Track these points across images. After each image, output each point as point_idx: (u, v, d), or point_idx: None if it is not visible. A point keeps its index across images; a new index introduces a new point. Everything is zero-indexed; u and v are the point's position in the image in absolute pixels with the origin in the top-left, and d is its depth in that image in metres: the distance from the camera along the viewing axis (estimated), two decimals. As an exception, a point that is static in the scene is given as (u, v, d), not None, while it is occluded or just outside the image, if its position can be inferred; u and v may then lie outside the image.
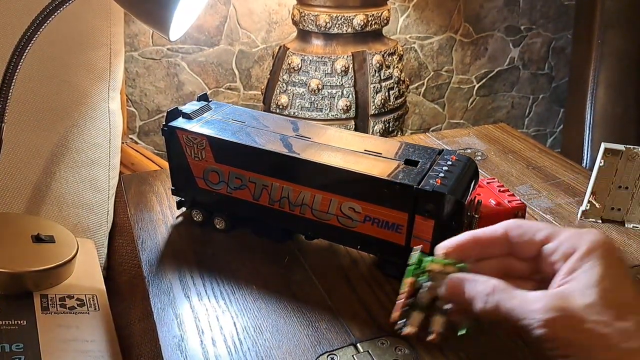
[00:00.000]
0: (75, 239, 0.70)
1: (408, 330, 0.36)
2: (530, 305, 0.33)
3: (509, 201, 0.62)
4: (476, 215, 0.59)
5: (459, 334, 0.38)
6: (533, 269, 0.37)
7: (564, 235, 0.36)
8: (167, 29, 0.59)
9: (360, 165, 0.56)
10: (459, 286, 0.37)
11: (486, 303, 0.35)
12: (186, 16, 0.67)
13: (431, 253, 0.40)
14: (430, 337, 0.36)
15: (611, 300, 0.32)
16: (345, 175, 0.55)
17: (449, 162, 0.56)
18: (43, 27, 0.59)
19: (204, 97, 0.68)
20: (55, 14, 0.59)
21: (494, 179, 0.67)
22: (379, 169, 0.55)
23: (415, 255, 0.39)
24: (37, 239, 0.66)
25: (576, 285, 0.33)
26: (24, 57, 0.60)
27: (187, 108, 0.65)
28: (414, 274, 0.39)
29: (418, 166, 0.56)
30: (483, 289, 0.35)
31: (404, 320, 0.37)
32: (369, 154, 0.58)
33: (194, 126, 0.62)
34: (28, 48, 0.60)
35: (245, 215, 0.64)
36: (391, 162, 0.57)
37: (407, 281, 0.39)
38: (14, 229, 0.68)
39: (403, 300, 0.39)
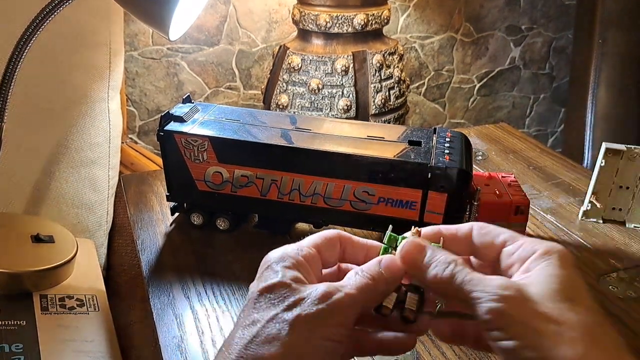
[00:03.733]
0: (75, 239, 0.70)
1: (406, 313, 0.37)
2: (487, 281, 0.33)
3: (512, 195, 0.62)
4: (475, 203, 0.60)
5: (436, 311, 0.39)
6: (492, 274, 0.37)
7: (524, 240, 0.36)
8: (167, 28, 0.59)
9: (369, 150, 0.58)
10: (420, 248, 0.36)
11: (443, 271, 0.35)
12: (186, 16, 0.67)
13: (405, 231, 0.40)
14: (404, 314, 0.37)
15: (565, 294, 0.32)
16: (360, 161, 0.57)
17: (447, 139, 0.60)
18: (43, 27, 0.59)
19: (187, 99, 0.68)
20: (55, 14, 0.59)
21: (511, 174, 0.67)
22: (389, 151, 0.58)
23: (388, 235, 0.40)
24: (37, 239, 0.66)
25: (532, 280, 0.34)
26: (23, 56, 0.60)
27: (178, 111, 0.64)
28: (385, 252, 0.39)
29: (422, 145, 0.59)
30: (444, 257, 0.35)
31: (400, 305, 0.38)
32: (373, 139, 0.60)
33: (191, 128, 0.61)
34: (28, 48, 0.60)
35: (250, 212, 0.65)
36: (397, 145, 0.59)
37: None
38: (14, 229, 0.68)
39: None
